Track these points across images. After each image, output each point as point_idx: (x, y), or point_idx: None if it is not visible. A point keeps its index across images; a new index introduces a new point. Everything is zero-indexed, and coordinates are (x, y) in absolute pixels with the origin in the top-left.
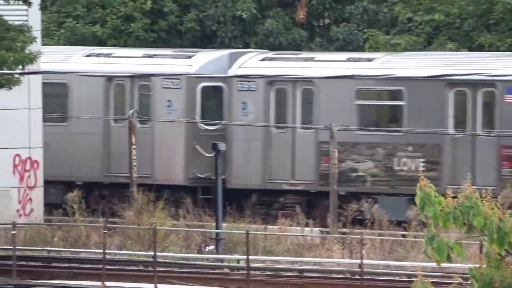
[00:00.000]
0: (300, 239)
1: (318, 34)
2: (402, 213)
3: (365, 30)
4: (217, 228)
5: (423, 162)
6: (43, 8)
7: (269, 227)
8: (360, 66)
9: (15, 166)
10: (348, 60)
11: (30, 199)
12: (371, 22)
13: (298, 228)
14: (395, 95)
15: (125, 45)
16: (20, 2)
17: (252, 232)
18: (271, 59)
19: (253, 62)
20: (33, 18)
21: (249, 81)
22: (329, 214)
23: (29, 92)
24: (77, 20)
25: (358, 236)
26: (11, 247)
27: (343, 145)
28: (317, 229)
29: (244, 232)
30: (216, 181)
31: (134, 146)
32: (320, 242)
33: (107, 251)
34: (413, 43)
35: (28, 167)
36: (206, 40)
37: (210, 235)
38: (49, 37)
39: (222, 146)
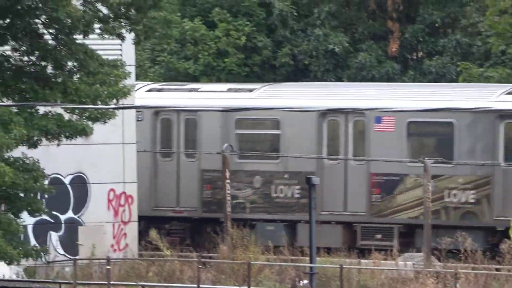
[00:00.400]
0: (395, 273)
1: (411, 67)
2: (278, 238)
3: (458, 63)
4: (311, 262)
5: (298, 189)
6: (137, 42)
7: (363, 261)
8: (240, 97)
9: (109, 201)
10: (229, 90)
11: (125, 234)
12: (464, 55)
13: (393, 261)
14: (273, 124)
15: (218, 81)
16: (114, 37)
17: (346, 266)
18: (158, 90)
19: (140, 93)
20: (127, 53)
21: (137, 111)
22: (423, 248)
23: (123, 127)
24: (171, 55)
25: (453, 270)
26: (106, 282)
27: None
28: (411, 263)
29: (338, 266)
30: (309, 215)
31: (228, 181)
32: (414, 276)
33: (201, 286)
34: (507, 75)
35: (122, 202)
36: (299, 74)
37: (304, 269)
38: (143, 76)
39: (316, 180)
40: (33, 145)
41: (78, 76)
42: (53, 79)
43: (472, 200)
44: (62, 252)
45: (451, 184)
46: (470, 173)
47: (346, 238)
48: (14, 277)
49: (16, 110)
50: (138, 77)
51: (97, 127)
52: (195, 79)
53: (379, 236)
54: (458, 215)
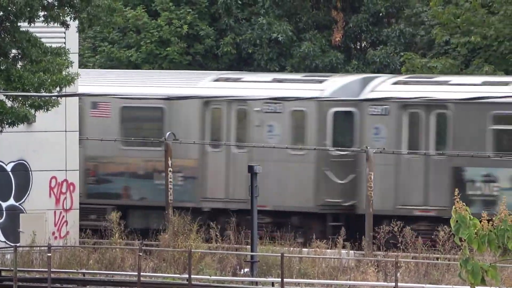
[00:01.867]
0: (336, 262)
1: (355, 57)
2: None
3: (401, 53)
4: (252, 250)
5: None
6: (81, 30)
7: (304, 249)
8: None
9: (51, 188)
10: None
11: (66, 221)
12: (408, 44)
13: (335, 250)
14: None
15: (160, 69)
16: (58, 25)
17: (287, 254)
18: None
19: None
20: (71, 41)
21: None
22: (364, 237)
23: (66, 114)
24: (112, 45)
25: (393, 259)
26: (46, 270)
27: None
28: (353, 251)
29: (279, 254)
30: (251, 204)
31: (170, 169)
32: (355, 265)
33: (142, 273)
34: (450, 66)
35: (64, 189)
36: (242, 63)
37: (246, 258)
38: (84, 64)
39: (258, 168)
40: None
41: (21, 64)
42: None
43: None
44: (3, 239)
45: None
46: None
47: None
48: None
49: None
50: (78, 67)
51: (40, 114)
52: (137, 67)
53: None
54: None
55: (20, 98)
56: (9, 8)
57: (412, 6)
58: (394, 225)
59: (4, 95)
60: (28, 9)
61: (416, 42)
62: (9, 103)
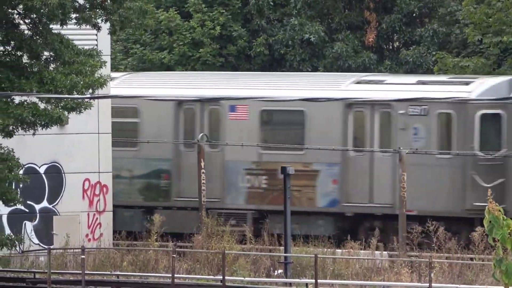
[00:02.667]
0: (369, 262)
1: (388, 57)
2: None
3: (434, 53)
4: (285, 251)
5: None
6: (112, 32)
7: (338, 250)
8: None
9: (84, 190)
10: None
11: (100, 223)
12: (441, 44)
13: (368, 251)
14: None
15: (193, 70)
16: (90, 27)
17: (321, 255)
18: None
19: None
20: (102, 43)
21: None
22: (397, 237)
23: (98, 116)
24: (144, 47)
25: (427, 260)
26: (80, 272)
27: None
28: (386, 252)
29: (313, 255)
30: (284, 205)
31: (203, 170)
32: (388, 266)
33: (176, 275)
34: (482, 65)
35: (97, 191)
36: (275, 64)
37: (279, 259)
38: (115, 67)
39: (291, 170)
40: (9, 134)
41: (53, 66)
42: (28, 69)
43: None
44: (36, 241)
45: None
46: None
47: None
48: None
49: None
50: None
51: (72, 116)
52: (169, 69)
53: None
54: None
55: (53, 100)
56: (42, 10)
57: (447, 5)
58: (430, 225)
59: (36, 97)
60: (61, 10)
61: (451, 41)
62: (42, 105)
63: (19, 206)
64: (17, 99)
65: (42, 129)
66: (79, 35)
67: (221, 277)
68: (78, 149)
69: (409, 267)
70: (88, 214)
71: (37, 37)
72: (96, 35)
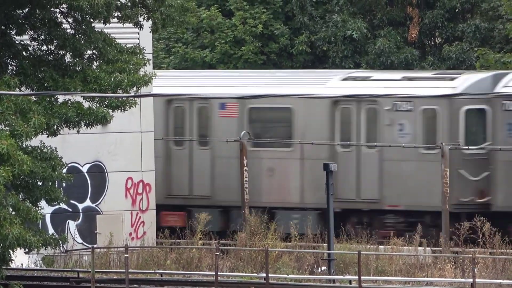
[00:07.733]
0: (412, 259)
1: (430, 53)
2: None
3: (476, 49)
4: (329, 248)
5: None
6: (154, 30)
7: (381, 247)
8: None
9: (127, 189)
10: None
11: (143, 222)
12: (484, 39)
13: (411, 247)
14: None
15: (235, 69)
16: (132, 26)
17: (364, 252)
18: None
19: None
20: (144, 41)
21: None
22: (441, 234)
23: (141, 115)
24: (186, 45)
25: (470, 255)
26: (124, 270)
27: None
28: (429, 248)
29: (356, 252)
30: (327, 202)
31: (246, 168)
32: (432, 262)
33: (219, 273)
34: None
35: (140, 190)
36: (317, 61)
37: (322, 256)
38: (158, 66)
39: (334, 166)
40: (53, 133)
41: (97, 64)
42: (72, 68)
43: None
44: (80, 240)
45: None
46: None
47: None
48: (32, 266)
49: (35, 99)
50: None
51: (115, 115)
52: (212, 68)
53: None
54: None
55: (97, 99)
56: (88, 10)
57: (489, 0)
58: (476, 220)
59: (81, 96)
60: (106, 8)
61: (493, 36)
62: (86, 104)
63: (62, 206)
64: (60, 98)
65: (86, 128)
66: (120, 33)
67: (264, 275)
68: (121, 148)
69: (453, 263)
70: (131, 213)
71: (80, 35)
72: (138, 33)
